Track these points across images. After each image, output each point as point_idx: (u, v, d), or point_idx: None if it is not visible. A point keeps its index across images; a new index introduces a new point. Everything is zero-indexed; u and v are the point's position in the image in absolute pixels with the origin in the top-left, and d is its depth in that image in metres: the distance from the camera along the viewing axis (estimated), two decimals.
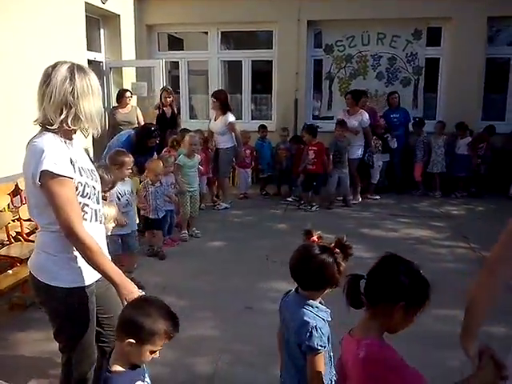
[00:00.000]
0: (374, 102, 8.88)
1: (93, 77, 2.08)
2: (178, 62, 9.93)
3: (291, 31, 8.97)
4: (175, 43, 10.70)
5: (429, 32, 8.91)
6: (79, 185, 2.06)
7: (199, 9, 9.07)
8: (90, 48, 8.10)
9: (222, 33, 9.67)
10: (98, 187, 2.23)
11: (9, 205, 5.18)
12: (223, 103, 7.32)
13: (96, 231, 2.14)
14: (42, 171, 1.92)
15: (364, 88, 8.67)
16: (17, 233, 4.83)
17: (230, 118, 7.31)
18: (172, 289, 4.27)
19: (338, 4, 8.59)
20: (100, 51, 8.76)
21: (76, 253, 2.04)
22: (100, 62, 8.73)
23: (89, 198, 2.12)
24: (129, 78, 9.05)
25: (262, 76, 9.82)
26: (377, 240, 5.91)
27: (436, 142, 8.24)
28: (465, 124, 8.22)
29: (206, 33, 9.73)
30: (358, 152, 7.80)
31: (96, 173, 2.23)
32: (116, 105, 8.11)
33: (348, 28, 9.01)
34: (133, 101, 8.15)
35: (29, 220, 4.97)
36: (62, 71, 1.98)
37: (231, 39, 10.35)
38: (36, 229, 4.95)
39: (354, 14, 8.65)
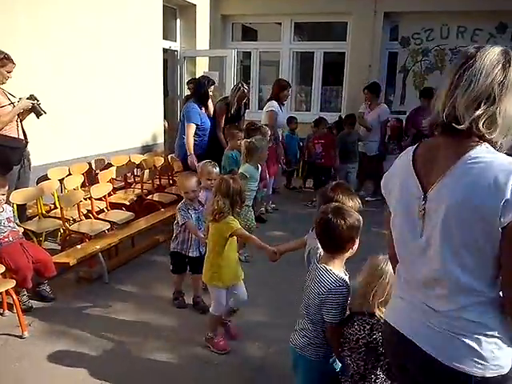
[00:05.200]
0: None
1: None
2: (250, 53, 9.99)
3: (366, 23, 8.75)
4: (249, 33, 10.78)
5: None
6: None
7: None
8: (165, 37, 8.33)
9: (295, 24, 9.62)
10: None
11: (82, 183, 5.48)
12: None
13: None
14: None
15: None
16: (88, 210, 5.09)
17: None
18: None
19: None
20: (175, 40, 8.99)
21: None
22: (175, 50, 8.96)
23: None
24: (202, 67, 9.23)
25: (334, 67, 9.67)
26: None
27: None
28: None
29: (280, 24, 9.72)
30: (375, 148, 7.51)
31: None
32: (189, 93, 8.32)
33: (426, 20, 8.65)
34: None
35: (99, 199, 5.23)
36: (494, 53, 1.39)
37: (304, 30, 10.26)
38: (106, 208, 5.21)
39: (434, 6, 8.27)
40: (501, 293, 1.41)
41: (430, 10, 8.42)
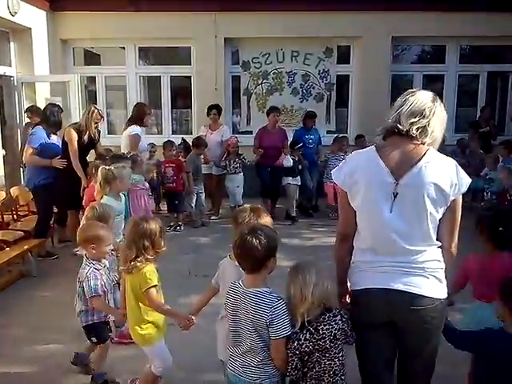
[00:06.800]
0: (290, 117, 9.23)
1: None
2: (95, 77, 9.76)
3: (209, 48, 9.10)
4: (92, 58, 10.51)
5: (339, 50, 9.40)
6: None
7: (115, 23, 8.99)
8: None
9: (139, 48, 9.64)
10: None
11: None
12: None
13: None
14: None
15: (280, 104, 8.94)
16: None
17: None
18: None
19: (252, 22, 8.84)
20: (10, 65, 8.43)
21: None
22: (10, 76, 8.40)
23: None
24: (42, 93, 8.77)
25: (183, 91, 9.88)
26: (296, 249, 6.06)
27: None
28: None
29: (124, 48, 9.67)
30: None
31: None
32: (29, 121, 7.86)
33: (263, 45, 9.29)
34: None
35: None
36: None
37: (150, 55, 10.33)
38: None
39: (268, 32, 8.92)
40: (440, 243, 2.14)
41: (265, 36, 9.03)
